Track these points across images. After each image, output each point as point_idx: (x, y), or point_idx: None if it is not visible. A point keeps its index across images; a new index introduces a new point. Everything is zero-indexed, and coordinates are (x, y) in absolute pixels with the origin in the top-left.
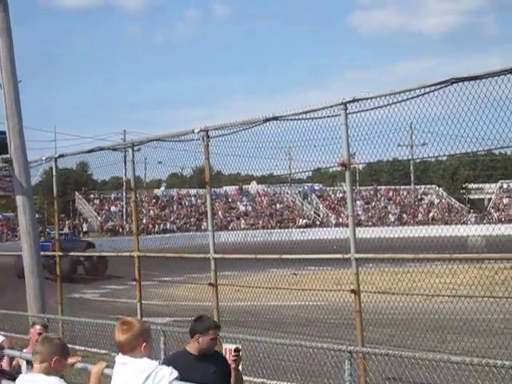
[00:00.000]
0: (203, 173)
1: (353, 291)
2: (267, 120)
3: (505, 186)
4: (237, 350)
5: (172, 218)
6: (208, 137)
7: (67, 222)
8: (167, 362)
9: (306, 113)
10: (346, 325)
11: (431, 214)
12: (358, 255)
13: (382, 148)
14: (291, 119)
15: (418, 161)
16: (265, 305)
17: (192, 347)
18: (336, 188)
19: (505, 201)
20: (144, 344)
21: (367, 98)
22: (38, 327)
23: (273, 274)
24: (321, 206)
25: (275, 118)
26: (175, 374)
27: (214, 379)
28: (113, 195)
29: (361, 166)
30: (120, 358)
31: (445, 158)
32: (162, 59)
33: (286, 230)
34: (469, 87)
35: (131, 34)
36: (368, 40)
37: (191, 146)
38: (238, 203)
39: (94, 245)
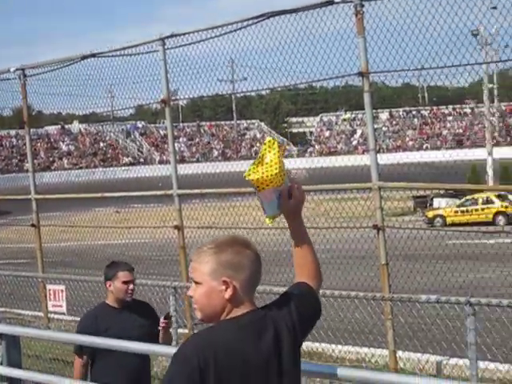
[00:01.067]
0: (22, 113)
1: (176, 227)
2: (85, 57)
3: (325, 119)
4: (168, 317)
5: None
6: (25, 75)
7: None
8: (84, 317)
9: (124, 49)
10: (171, 261)
11: (254, 149)
12: (180, 191)
13: (203, 84)
14: (110, 56)
15: (239, 96)
16: (90, 244)
17: (109, 298)
18: (159, 125)
19: (326, 134)
20: None
21: (186, 33)
22: None
23: (97, 213)
24: (144, 143)
25: (93, 55)
26: None
27: (137, 334)
28: None
29: (183, 103)
30: None
31: (266, 93)
32: None
33: (110, 169)
34: (286, 21)
35: None
36: None
37: (8, 85)
38: (61, 143)
39: None
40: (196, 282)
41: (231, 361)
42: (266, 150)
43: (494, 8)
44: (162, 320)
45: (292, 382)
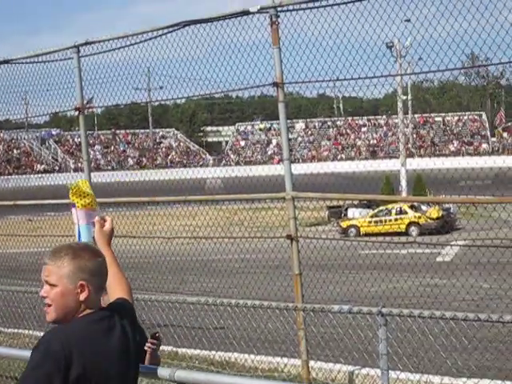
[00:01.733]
0: None
1: None
2: None
3: (241, 128)
4: (155, 337)
5: None
6: None
7: None
8: None
9: (38, 55)
10: None
11: (170, 157)
12: None
13: (119, 92)
14: (24, 63)
15: (156, 104)
16: (3, 252)
17: None
18: (74, 133)
19: (241, 143)
20: None
21: (100, 41)
22: None
23: (10, 221)
24: (59, 151)
25: (6, 62)
26: None
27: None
28: None
29: (99, 110)
30: None
31: (183, 102)
32: None
33: (24, 176)
34: (202, 30)
35: None
36: None
37: None
38: None
39: None
40: (51, 284)
41: (89, 351)
42: (79, 185)
43: (408, 21)
44: (149, 340)
45: (136, 373)
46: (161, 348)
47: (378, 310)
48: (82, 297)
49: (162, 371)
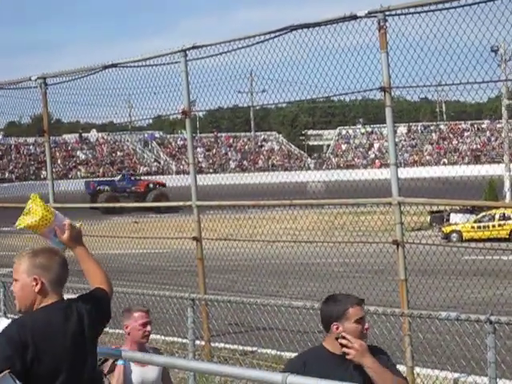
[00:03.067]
0: (42, 121)
1: (194, 238)
2: (106, 67)
3: (343, 132)
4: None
5: (10, 167)
6: (46, 84)
7: None
8: (296, 362)
9: (145, 60)
10: (189, 272)
11: (271, 161)
12: (199, 202)
13: (222, 95)
14: (131, 66)
15: (258, 108)
16: (107, 253)
17: (329, 342)
18: (176, 135)
19: (343, 147)
20: None
21: (207, 45)
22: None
23: (114, 223)
24: (161, 153)
25: (114, 65)
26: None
27: None
28: None
29: (201, 114)
30: None
31: (284, 105)
32: None
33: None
34: (308, 34)
35: None
36: None
37: (29, 93)
38: (78, 152)
39: None
40: (15, 279)
41: (45, 338)
42: (30, 202)
43: None
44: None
45: (93, 360)
46: (265, 351)
47: (486, 318)
48: (37, 289)
49: (274, 376)
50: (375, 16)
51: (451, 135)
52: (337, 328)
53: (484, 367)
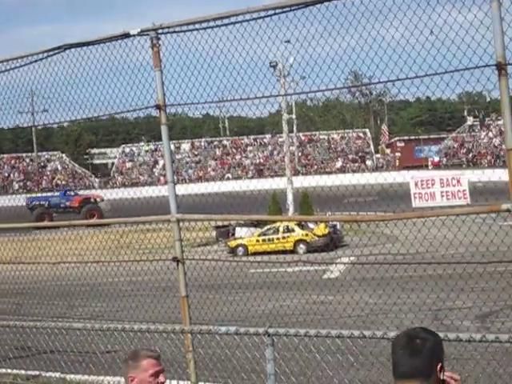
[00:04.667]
0: None
1: None
2: None
3: (127, 149)
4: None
5: None
6: None
7: None
8: None
9: None
10: None
11: (55, 180)
12: None
13: (2, 116)
14: None
15: (40, 127)
16: None
17: None
18: None
19: (127, 165)
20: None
21: None
22: None
23: None
24: None
25: None
26: None
27: None
28: None
29: None
30: None
31: (67, 124)
32: None
33: None
34: (87, 52)
35: None
36: None
37: None
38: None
39: None
40: None
41: None
42: None
43: (288, 42)
44: None
45: None
46: (49, 374)
47: (264, 331)
48: None
49: None
50: (147, 34)
51: (234, 150)
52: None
53: (265, 379)
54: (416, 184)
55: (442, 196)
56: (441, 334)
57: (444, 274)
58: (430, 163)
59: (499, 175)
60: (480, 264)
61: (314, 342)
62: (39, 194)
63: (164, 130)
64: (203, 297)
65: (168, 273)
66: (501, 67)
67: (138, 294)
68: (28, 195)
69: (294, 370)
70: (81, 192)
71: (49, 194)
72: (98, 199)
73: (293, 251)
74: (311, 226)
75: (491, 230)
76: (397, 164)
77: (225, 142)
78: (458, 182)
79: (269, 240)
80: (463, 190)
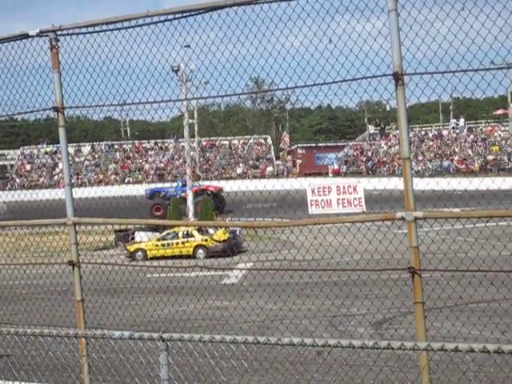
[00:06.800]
0: None
1: None
2: None
3: (26, 151)
4: None
5: None
6: None
7: None
8: None
9: None
10: None
11: None
12: None
13: None
14: None
15: None
16: None
17: None
18: None
19: (27, 167)
20: None
21: None
22: None
23: None
24: None
25: None
26: None
27: None
28: None
29: None
30: None
31: None
32: None
33: None
34: None
35: None
36: None
37: None
38: None
39: None
40: None
41: None
42: None
43: (188, 46)
44: None
45: None
46: None
47: (158, 336)
48: None
49: None
50: (47, 35)
51: (136, 154)
52: None
53: None
54: (313, 191)
55: (338, 203)
56: (334, 341)
57: (339, 280)
58: (330, 171)
59: (395, 183)
60: (374, 271)
61: (208, 348)
62: None
63: (62, 132)
64: (99, 301)
65: (64, 276)
66: (397, 77)
67: (33, 297)
68: None
69: (189, 375)
70: None
71: None
72: None
73: (192, 256)
74: (211, 231)
75: (386, 237)
76: (297, 171)
77: (126, 146)
78: (355, 189)
79: (168, 245)
80: (359, 198)
